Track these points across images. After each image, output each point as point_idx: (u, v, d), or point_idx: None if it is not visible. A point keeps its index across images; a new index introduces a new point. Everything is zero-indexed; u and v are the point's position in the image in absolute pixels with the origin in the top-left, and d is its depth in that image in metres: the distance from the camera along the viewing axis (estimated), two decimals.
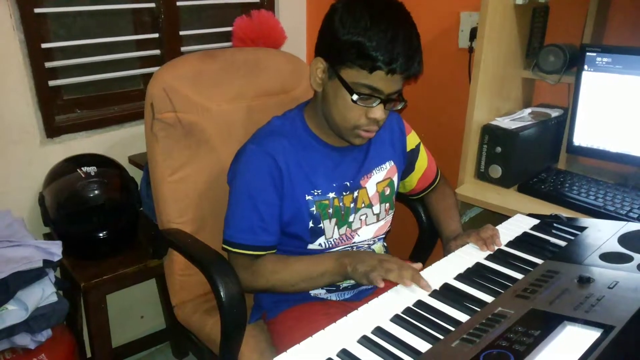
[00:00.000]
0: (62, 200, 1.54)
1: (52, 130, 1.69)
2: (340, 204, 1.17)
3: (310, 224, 1.15)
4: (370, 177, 1.21)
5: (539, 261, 1.02)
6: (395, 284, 0.96)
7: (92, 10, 1.76)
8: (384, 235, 1.29)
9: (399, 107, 1.11)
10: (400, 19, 1.03)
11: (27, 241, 1.45)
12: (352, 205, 1.19)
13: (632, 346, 0.72)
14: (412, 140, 1.32)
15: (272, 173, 1.10)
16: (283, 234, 1.16)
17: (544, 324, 0.77)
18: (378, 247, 1.28)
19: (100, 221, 1.56)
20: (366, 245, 1.25)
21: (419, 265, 1.00)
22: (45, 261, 1.38)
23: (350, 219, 1.19)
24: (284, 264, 1.12)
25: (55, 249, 1.43)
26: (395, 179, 1.27)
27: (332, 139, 1.16)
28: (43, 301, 1.39)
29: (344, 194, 1.17)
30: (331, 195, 1.16)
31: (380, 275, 0.97)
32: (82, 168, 1.57)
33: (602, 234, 1.09)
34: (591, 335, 0.73)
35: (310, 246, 1.17)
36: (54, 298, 1.41)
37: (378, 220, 1.24)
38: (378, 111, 1.05)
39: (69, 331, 1.57)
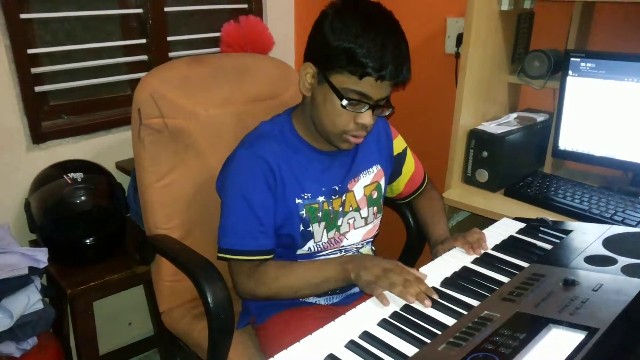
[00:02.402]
0: (48, 206, 1.53)
1: (39, 136, 1.67)
2: (330, 207, 1.17)
3: (300, 227, 1.15)
4: (358, 181, 1.22)
5: (524, 264, 1.03)
6: None
7: (79, 16, 1.75)
8: (372, 239, 1.30)
9: (387, 113, 1.12)
10: (390, 26, 1.04)
11: (13, 248, 1.44)
12: (340, 209, 1.19)
13: (616, 348, 0.73)
14: (399, 144, 1.33)
15: (265, 175, 1.10)
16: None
17: (530, 327, 0.77)
18: (366, 250, 1.29)
19: (86, 227, 1.54)
20: (354, 249, 1.25)
21: (424, 275, 0.98)
22: (30, 268, 1.37)
23: (339, 222, 1.19)
24: (288, 269, 1.10)
25: (41, 256, 1.42)
26: (382, 182, 1.27)
27: (320, 144, 1.16)
28: (29, 309, 1.38)
29: (333, 197, 1.18)
30: (320, 199, 1.16)
31: (384, 288, 0.94)
32: (69, 174, 1.56)
33: (587, 237, 1.09)
34: (576, 337, 0.74)
35: (300, 251, 1.17)
36: (40, 305, 1.40)
37: (366, 224, 1.25)
38: (366, 117, 1.06)
39: (55, 339, 1.55)
